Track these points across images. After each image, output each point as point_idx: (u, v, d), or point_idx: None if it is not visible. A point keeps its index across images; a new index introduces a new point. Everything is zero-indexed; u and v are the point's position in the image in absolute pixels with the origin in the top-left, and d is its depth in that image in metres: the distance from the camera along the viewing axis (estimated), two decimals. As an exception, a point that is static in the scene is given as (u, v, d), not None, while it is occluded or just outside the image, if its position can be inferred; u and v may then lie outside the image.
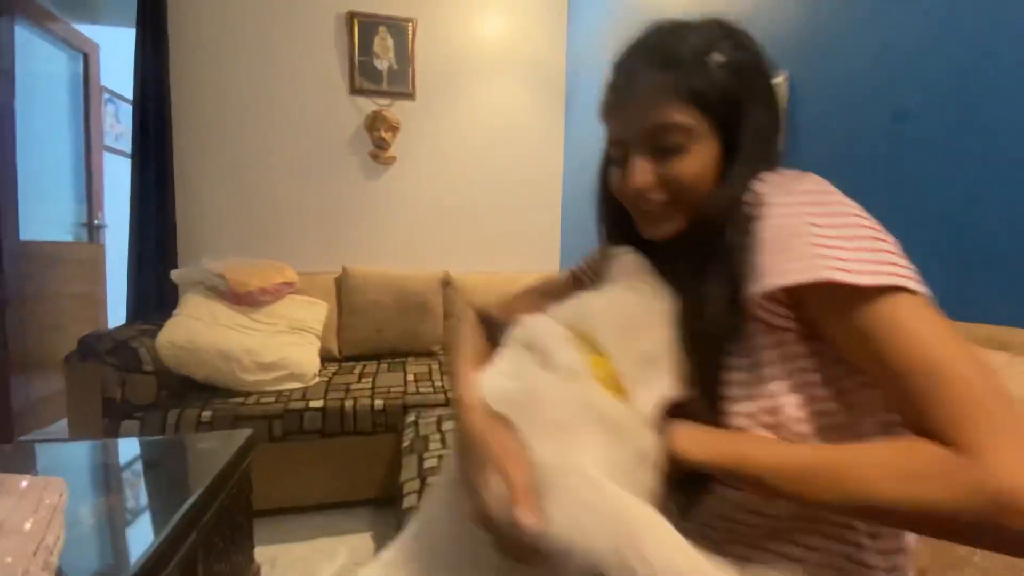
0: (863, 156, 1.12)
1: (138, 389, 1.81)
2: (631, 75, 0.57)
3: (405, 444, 1.52)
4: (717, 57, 0.53)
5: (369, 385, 2.03)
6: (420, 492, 1.16)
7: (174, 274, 2.22)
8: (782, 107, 1.35)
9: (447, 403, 1.96)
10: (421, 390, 2.00)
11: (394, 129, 2.66)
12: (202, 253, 2.39)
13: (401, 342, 2.52)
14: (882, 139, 1.08)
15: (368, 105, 2.66)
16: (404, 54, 2.68)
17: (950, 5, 0.95)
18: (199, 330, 1.92)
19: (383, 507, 1.92)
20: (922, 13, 1.00)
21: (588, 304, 0.56)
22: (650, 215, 0.59)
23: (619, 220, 0.67)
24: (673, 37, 0.56)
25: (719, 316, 0.51)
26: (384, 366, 2.32)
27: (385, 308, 2.47)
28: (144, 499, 0.98)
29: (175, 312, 2.02)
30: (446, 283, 2.64)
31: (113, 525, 0.87)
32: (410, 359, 2.47)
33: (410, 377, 2.15)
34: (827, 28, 1.23)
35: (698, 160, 0.55)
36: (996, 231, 0.86)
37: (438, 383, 2.08)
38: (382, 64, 2.66)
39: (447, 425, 1.59)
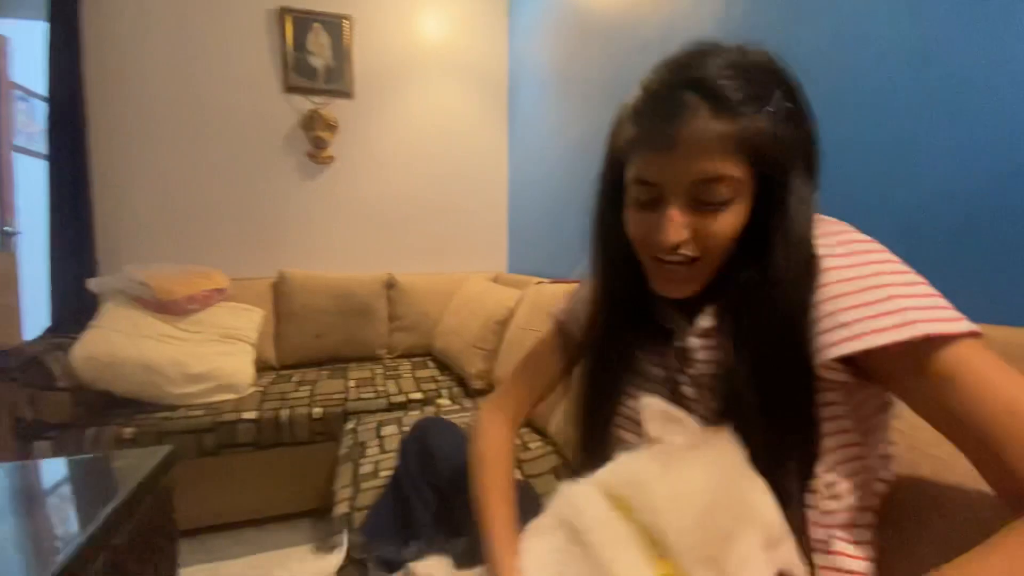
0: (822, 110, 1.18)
1: (51, 407, 1.68)
2: (678, 114, 0.50)
3: (342, 452, 1.48)
4: (774, 107, 0.49)
5: (307, 393, 1.97)
6: (353, 500, 1.14)
7: (92, 283, 2.08)
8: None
9: (389, 408, 1.93)
10: (363, 396, 1.96)
11: (332, 128, 2.59)
12: (125, 260, 2.25)
13: (343, 348, 2.46)
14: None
15: (304, 103, 2.58)
16: (341, 51, 2.62)
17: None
18: (119, 342, 1.80)
19: (324, 518, 1.87)
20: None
21: (649, 488, 0.46)
22: (672, 273, 0.55)
23: (623, 266, 0.62)
24: (729, 76, 0.49)
25: (792, 381, 0.49)
26: (325, 373, 2.26)
27: (325, 313, 2.40)
28: (43, 523, 0.91)
29: (92, 324, 1.89)
30: (390, 285, 2.59)
31: (4, 555, 0.81)
32: (352, 365, 2.41)
33: (351, 383, 2.10)
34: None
35: (737, 217, 0.52)
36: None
37: (380, 387, 2.05)
38: (317, 61, 2.59)
39: (386, 430, 1.56)
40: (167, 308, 1.99)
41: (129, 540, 0.99)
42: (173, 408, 1.80)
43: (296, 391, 1.99)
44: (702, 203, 0.51)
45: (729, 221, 0.51)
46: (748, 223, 0.52)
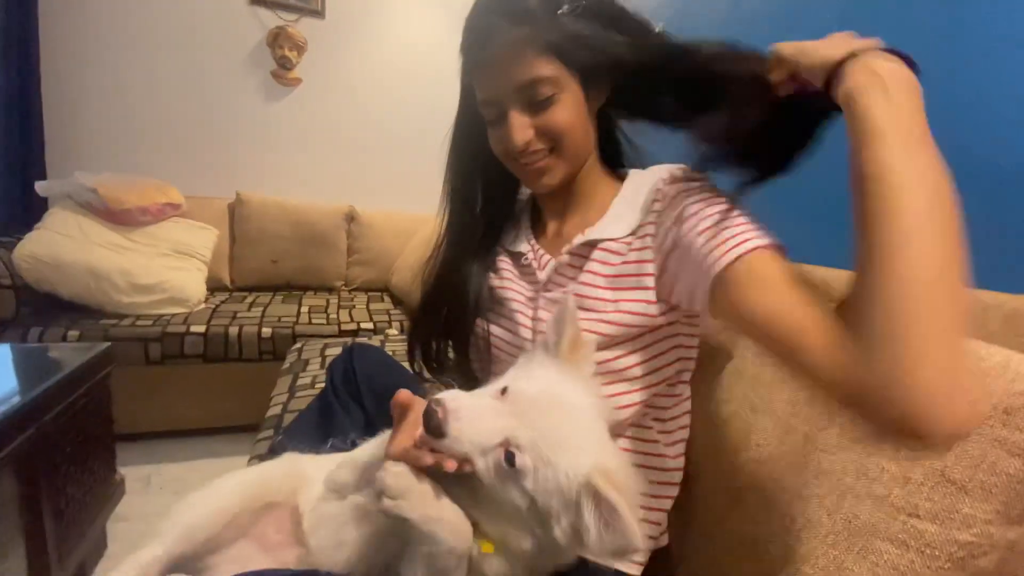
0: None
1: (-7, 303, 1.68)
2: (488, 34, 0.59)
3: (284, 367, 1.54)
4: (568, 8, 0.57)
5: (259, 314, 2.00)
6: (286, 404, 1.20)
7: (39, 186, 2.02)
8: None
9: (339, 335, 1.98)
10: (314, 321, 2.00)
11: (299, 48, 2.50)
12: (75, 168, 2.17)
13: (299, 276, 2.47)
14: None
15: (271, 19, 2.47)
16: (313, -34, 2.49)
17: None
18: (65, 245, 1.78)
19: (269, 432, 1.94)
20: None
21: None
22: (534, 170, 0.63)
23: (500, 182, 0.72)
24: None
25: None
26: (279, 298, 2.28)
27: (282, 239, 2.39)
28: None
29: (38, 226, 1.86)
30: (350, 218, 2.58)
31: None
32: (308, 293, 2.43)
33: (304, 309, 2.13)
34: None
35: (569, 107, 0.59)
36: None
37: (332, 316, 2.09)
38: (288, -26, 2.46)
39: (330, 351, 1.61)
40: (117, 217, 1.96)
41: (64, 422, 1.04)
42: (121, 316, 1.81)
43: (248, 311, 2.02)
44: (533, 103, 0.58)
45: (561, 113, 0.59)
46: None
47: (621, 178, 0.68)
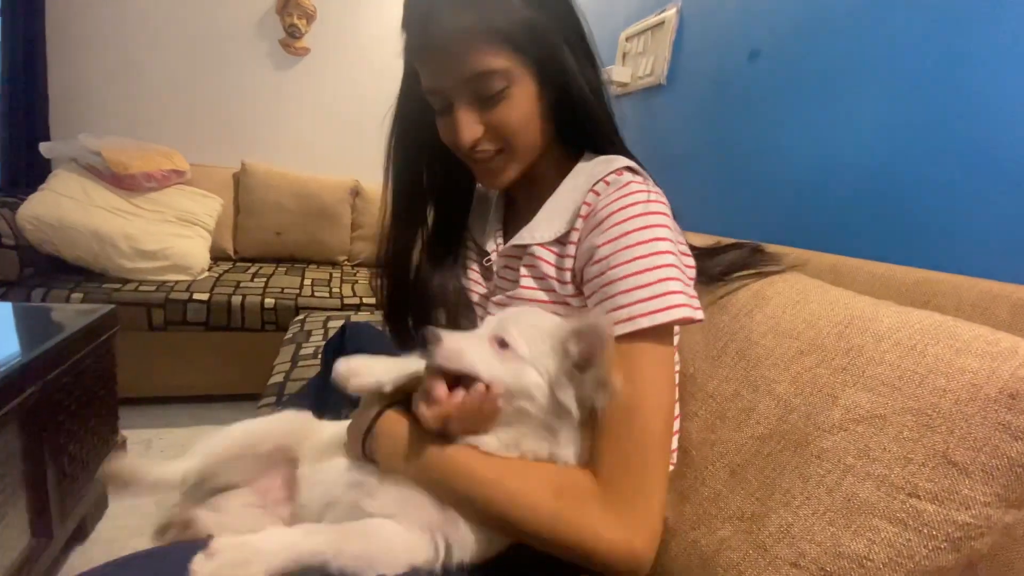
0: (734, 86, 1.21)
1: (-3, 263, 1.68)
2: (430, 15, 0.51)
3: (287, 337, 1.54)
4: None
5: (262, 284, 2.00)
6: (288, 373, 1.21)
7: (43, 147, 2.01)
8: (669, 37, 1.42)
9: (341, 308, 1.98)
10: (317, 294, 2.01)
11: (309, 16, 2.46)
12: (78, 130, 2.16)
13: (303, 248, 2.46)
14: (743, 74, 1.17)
15: (281, -14, 2.43)
16: (325, -66, 2.44)
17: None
18: (69, 207, 1.78)
19: (269, 402, 1.95)
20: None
21: None
22: (486, 166, 0.59)
23: (451, 173, 0.67)
24: None
25: None
26: (282, 269, 2.28)
27: (286, 211, 2.39)
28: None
29: (41, 187, 1.85)
30: (355, 192, 2.57)
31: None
32: (311, 266, 2.43)
33: (307, 281, 2.13)
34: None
35: (520, 103, 0.54)
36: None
37: (336, 289, 2.09)
38: (299, -59, 2.41)
39: (333, 323, 1.62)
40: (122, 182, 1.95)
41: (68, 381, 1.05)
42: (124, 281, 1.82)
43: (251, 281, 2.02)
44: (482, 98, 0.53)
45: (512, 111, 0.54)
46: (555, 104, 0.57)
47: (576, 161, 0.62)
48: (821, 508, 0.47)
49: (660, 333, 0.49)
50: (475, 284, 0.68)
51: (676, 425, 0.63)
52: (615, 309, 0.49)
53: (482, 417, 0.46)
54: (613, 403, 0.45)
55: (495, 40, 0.50)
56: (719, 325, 0.69)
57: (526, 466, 0.47)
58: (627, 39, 1.63)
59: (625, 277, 0.49)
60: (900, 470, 0.44)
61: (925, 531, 0.43)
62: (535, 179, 0.63)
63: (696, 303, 0.51)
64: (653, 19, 1.49)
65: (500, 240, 0.67)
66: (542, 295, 0.57)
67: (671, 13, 1.40)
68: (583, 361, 0.45)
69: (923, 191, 0.79)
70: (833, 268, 0.78)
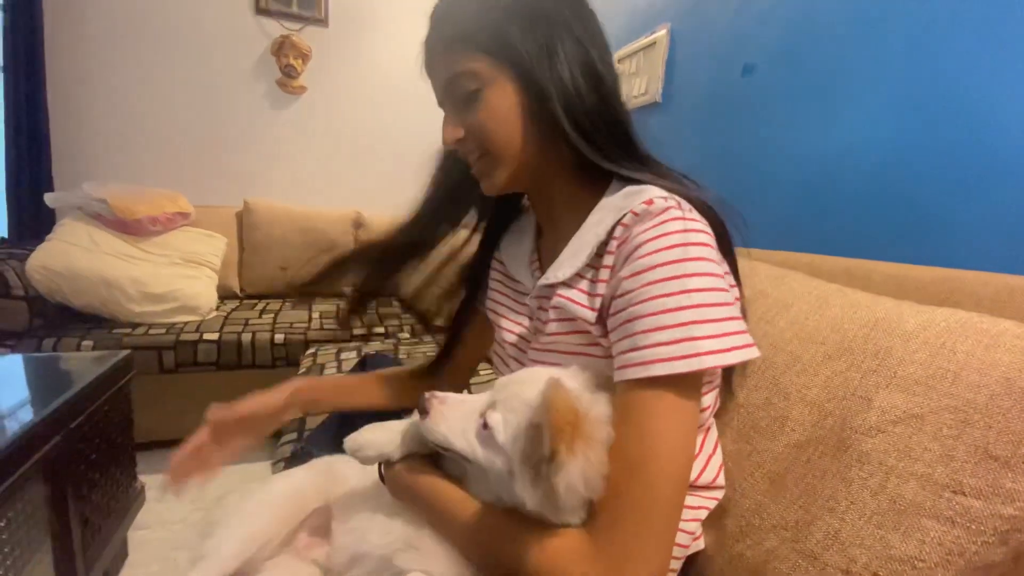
0: (729, 99, 1.24)
1: (7, 315, 1.69)
2: (429, 32, 0.57)
3: (301, 371, 1.54)
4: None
5: (270, 320, 2.01)
6: (307, 408, 1.20)
7: (48, 197, 2.04)
8: (662, 56, 1.45)
9: (352, 339, 1.98)
10: (326, 327, 2.01)
11: (304, 56, 2.52)
12: (82, 178, 2.18)
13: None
14: (737, 87, 1.20)
15: (276, 28, 2.50)
16: (316, -24, 2.52)
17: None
18: (77, 255, 1.79)
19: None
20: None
21: None
22: (477, 172, 0.60)
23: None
24: None
25: None
26: (289, 304, 2.29)
27: (291, 246, 2.41)
28: (5, 404, 0.96)
29: (49, 237, 1.87)
30: (358, 224, 2.60)
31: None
32: (318, 299, 2.44)
33: (315, 315, 2.14)
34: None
35: (492, 104, 0.53)
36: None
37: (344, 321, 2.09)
38: (291, -15, 2.49)
39: (345, 355, 1.62)
40: (128, 228, 1.97)
41: (88, 430, 1.04)
42: (134, 326, 1.82)
43: (259, 318, 2.03)
44: (457, 100, 0.55)
45: (488, 112, 0.53)
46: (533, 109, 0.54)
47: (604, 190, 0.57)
48: (868, 512, 0.47)
49: (679, 383, 0.44)
50: (514, 324, 0.66)
51: (715, 462, 0.59)
52: (631, 351, 0.45)
53: None
54: (614, 458, 0.42)
55: (470, 46, 0.53)
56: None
57: (519, 526, 0.45)
58: (619, 60, 1.67)
59: (645, 316, 0.45)
60: (943, 468, 0.45)
61: (973, 527, 0.43)
62: (554, 206, 0.63)
63: (737, 341, 0.45)
64: (645, 40, 1.54)
65: (537, 273, 0.64)
66: (572, 339, 0.55)
67: (662, 33, 1.45)
68: (531, 455, 0.41)
69: (923, 191, 0.82)
70: (847, 271, 0.79)
